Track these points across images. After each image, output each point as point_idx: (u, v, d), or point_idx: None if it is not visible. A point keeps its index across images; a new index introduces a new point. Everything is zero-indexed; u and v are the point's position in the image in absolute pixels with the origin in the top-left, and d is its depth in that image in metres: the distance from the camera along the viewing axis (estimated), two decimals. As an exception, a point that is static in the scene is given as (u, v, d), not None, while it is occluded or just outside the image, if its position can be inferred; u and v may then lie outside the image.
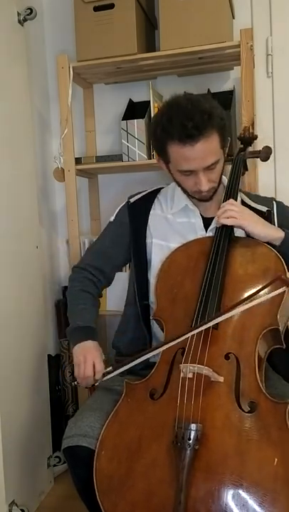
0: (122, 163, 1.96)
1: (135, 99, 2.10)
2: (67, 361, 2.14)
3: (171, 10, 1.81)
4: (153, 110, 1.91)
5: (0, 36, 1.72)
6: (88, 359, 1.36)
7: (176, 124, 1.28)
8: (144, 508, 1.07)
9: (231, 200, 1.39)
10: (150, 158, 1.94)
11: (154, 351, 1.24)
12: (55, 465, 2.02)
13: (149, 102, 1.92)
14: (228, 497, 1.02)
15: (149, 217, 1.52)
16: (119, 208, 1.58)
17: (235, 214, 1.33)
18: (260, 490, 1.02)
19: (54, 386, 2.11)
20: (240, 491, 1.02)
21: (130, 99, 2.09)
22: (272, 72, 2.03)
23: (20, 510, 1.65)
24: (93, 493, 1.13)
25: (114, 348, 1.60)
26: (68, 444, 1.22)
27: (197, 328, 1.18)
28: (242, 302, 1.16)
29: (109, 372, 1.34)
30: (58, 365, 2.15)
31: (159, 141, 1.35)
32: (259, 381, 1.14)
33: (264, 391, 1.13)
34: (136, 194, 1.59)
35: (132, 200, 1.57)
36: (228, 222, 1.33)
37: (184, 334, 1.19)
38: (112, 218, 1.59)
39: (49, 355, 2.07)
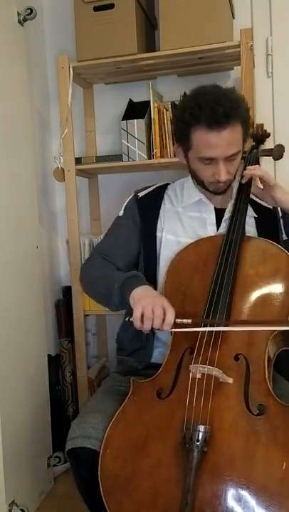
0: (122, 163, 1.96)
1: (135, 99, 2.10)
2: (67, 361, 2.14)
3: (171, 10, 1.80)
4: (153, 110, 1.90)
5: (0, 36, 1.72)
6: (157, 301, 1.22)
7: (205, 108, 1.28)
8: (150, 508, 1.06)
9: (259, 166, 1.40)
10: (150, 158, 1.94)
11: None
12: (55, 465, 2.01)
13: (149, 102, 1.91)
14: (235, 499, 1.02)
15: (160, 211, 1.50)
16: (126, 203, 1.55)
17: (264, 173, 1.35)
18: (267, 493, 1.01)
19: (54, 386, 2.11)
20: (247, 494, 1.02)
21: (130, 99, 2.09)
22: (272, 72, 2.03)
23: (20, 510, 1.64)
24: (96, 494, 1.13)
25: (117, 343, 1.58)
26: (72, 445, 1.21)
27: (213, 325, 1.18)
28: (263, 324, 1.18)
29: (182, 326, 1.21)
30: (58, 365, 2.15)
31: (185, 125, 1.34)
32: (268, 383, 1.14)
33: (273, 394, 1.12)
34: (143, 189, 1.57)
35: (140, 194, 1.55)
36: (257, 172, 1.34)
37: (202, 326, 1.20)
38: (120, 213, 1.55)
39: (49, 355, 2.07)
